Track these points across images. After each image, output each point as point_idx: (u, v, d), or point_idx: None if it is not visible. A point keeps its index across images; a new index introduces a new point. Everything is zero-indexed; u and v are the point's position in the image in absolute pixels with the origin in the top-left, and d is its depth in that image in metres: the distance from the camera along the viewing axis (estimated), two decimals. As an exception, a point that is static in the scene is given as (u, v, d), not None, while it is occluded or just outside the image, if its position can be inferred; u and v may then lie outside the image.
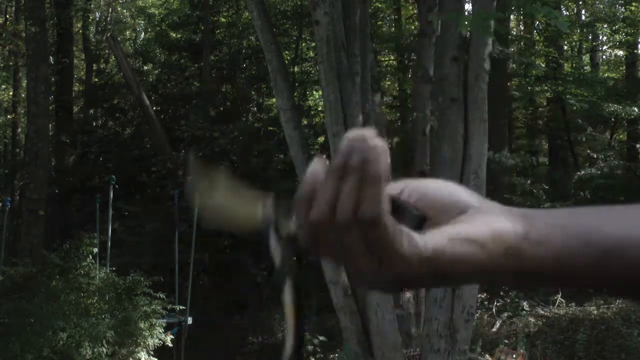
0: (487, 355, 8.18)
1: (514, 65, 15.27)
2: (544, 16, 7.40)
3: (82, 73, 21.18)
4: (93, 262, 9.01)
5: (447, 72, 6.64)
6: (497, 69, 11.39)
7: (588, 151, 14.92)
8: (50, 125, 16.04)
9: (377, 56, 15.41)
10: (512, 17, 17.18)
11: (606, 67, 19.31)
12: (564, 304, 11.35)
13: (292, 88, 12.59)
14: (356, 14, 7.78)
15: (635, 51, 16.93)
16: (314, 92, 17.89)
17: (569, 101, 14.06)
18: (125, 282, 8.48)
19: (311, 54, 17.67)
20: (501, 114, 13.38)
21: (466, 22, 5.88)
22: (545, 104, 18.12)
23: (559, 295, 11.62)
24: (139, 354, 7.88)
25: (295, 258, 0.56)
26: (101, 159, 17.67)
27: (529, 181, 13.64)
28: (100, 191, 12.25)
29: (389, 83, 19.21)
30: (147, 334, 7.95)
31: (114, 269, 9.41)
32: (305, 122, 15.49)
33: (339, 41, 7.29)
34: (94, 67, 20.48)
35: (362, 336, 7.33)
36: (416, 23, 15.66)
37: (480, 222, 0.56)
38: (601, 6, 17.10)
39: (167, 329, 8.83)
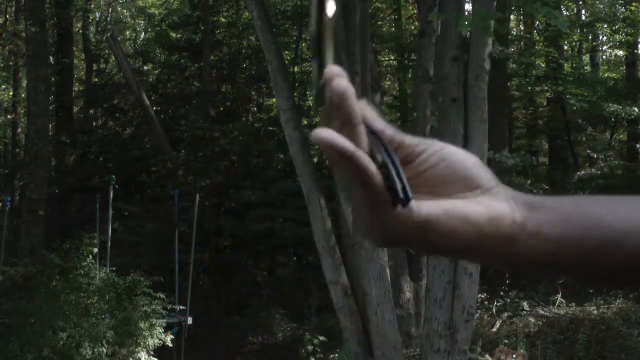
0: (487, 355, 8.18)
1: (514, 65, 15.26)
2: (544, 16, 7.40)
3: (82, 73, 21.17)
4: (93, 262, 9.00)
5: (447, 72, 6.64)
6: (497, 69, 11.39)
7: (588, 151, 14.91)
8: (50, 125, 16.04)
9: (377, 56, 15.41)
10: (512, 17, 17.18)
11: (606, 67, 19.30)
12: (564, 304, 11.35)
13: (292, 88, 12.59)
14: (356, 13, 7.78)
15: (635, 51, 16.92)
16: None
17: (569, 101, 14.06)
18: (125, 282, 8.47)
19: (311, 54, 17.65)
20: (501, 114, 13.38)
21: (466, 22, 5.88)
22: (545, 104, 18.12)
23: (559, 295, 11.62)
24: (139, 354, 7.88)
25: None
26: (101, 159, 17.67)
27: (529, 181, 13.64)
28: (100, 191, 12.25)
29: (389, 83, 19.21)
30: (147, 334, 7.94)
31: (114, 269, 9.40)
32: (305, 122, 15.48)
33: (339, 41, 7.30)
34: (94, 67, 20.48)
35: (362, 336, 7.33)
36: (416, 23, 15.66)
37: (482, 203, 0.57)
38: (601, 6, 17.10)
39: (167, 329, 8.83)
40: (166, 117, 17.09)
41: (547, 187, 14.10)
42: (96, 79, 19.93)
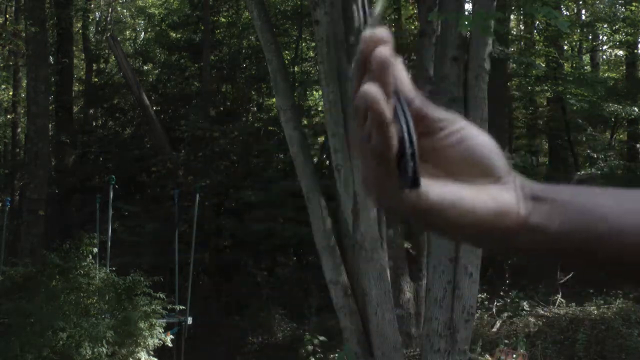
0: (487, 355, 8.18)
1: (514, 65, 15.26)
2: (544, 16, 7.40)
3: (82, 73, 21.17)
4: (93, 262, 9.00)
5: (447, 72, 6.64)
6: (497, 69, 11.39)
7: (588, 151, 14.91)
8: (50, 125, 16.04)
9: (377, 56, 15.37)
10: (512, 17, 17.18)
11: (606, 67, 19.30)
12: (564, 304, 11.35)
13: (292, 88, 12.59)
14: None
15: (635, 51, 16.92)
16: (314, 92, 17.89)
17: (569, 101, 14.06)
18: (125, 282, 8.47)
19: (311, 54, 17.67)
20: (501, 114, 13.38)
21: (466, 22, 5.88)
22: (545, 104, 18.11)
23: (559, 295, 11.62)
24: (139, 354, 7.88)
25: None
26: (101, 159, 17.67)
27: (529, 181, 13.61)
28: (100, 191, 12.25)
29: (389, 83, 19.17)
30: (147, 334, 7.94)
31: (114, 269, 9.40)
32: (305, 122, 15.48)
33: (339, 41, 7.30)
34: (94, 67, 20.47)
35: (362, 336, 7.32)
36: (416, 23, 15.66)
37: (491, 195, 0.57)
38: (601, 6, 17.09)
39: (167, 329, 8.83)
40: (166, 117, 17.09)
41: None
42: (96, 79, 19.92)
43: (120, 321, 7.83)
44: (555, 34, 15.15)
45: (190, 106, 17.08)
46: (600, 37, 18.27)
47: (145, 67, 19.68)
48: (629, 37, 15.97)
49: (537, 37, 17.35)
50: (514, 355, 7.12)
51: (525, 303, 11.22)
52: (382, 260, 7.30)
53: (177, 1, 19.93)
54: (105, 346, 7.34)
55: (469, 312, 6.61)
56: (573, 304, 11.22)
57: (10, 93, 20.02)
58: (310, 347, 9.76)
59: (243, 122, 16.61)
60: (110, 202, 10.46)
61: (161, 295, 8.51)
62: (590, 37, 18.02)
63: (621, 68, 18.68)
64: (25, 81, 15.45)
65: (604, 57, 19.85)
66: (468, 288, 6.57)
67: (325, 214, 7.60)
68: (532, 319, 10.74)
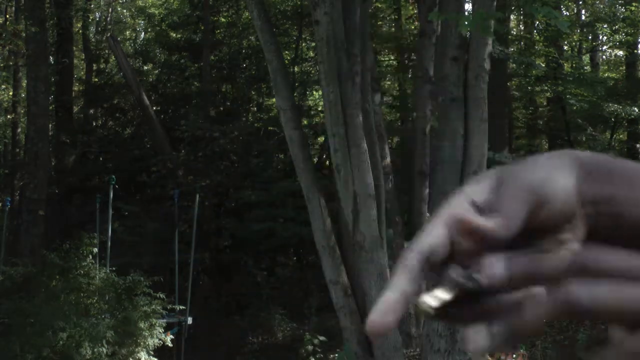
0: (487, 355, 8.18)
1: (514, 65, 15.26)
2: (544, 16, 7.40)
3: (82, 73, 21.16)
4: (93, 262, 9.01)
5: (447, 72, 6.64)
6: (497, 69, 11.39)
7: (588, 151, 14.89)
8: (50, 125, 16.04)
9: (377, 56, 15.41)
10: (512, 17, 17.18)
11: (606, 67, 19.30)
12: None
13: (292, 88, 12.59)
14: (356, 14, 7.78)
15: (635, 51, 16.92)
16: (314, 92, 17.89)
17: (569, 101, 14.06)
18: (125, 282, 8.48)
19: (311, 54, 17.67)
20: (501, 114, 13.38)
21: (466, 22, 5.88)
22: (545, 104, 18.11)
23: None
24: (139, 354, 7.88)
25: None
26: (101, 159, 17.66)
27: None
28: (100, 191, 12.25)
29: (389, 83, 19.20)
30: (147, 334, 7.95)
31: (114, 269, 9.40)
32: (305, 122, 15.48)
33: (339, 41, 7.29)
34: (94, 67, 20.46)
35: (362, 336, 7.32)
36: (416, 23, 15.65)
37: None
38: (601, 6, 17.09)
39: (167, 329, 8.83)
40: (166, 117, 17.09)
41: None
42: (96, 79, 19.92)
43: (120, 321, 7.83)
44: (555, 34, 15.15)
45: (190, 106, 17.08)
46: (600, 37, 18.27)
47: (145, 67, 19.68)
48: (628, 37, 15.96)
49: (537, 37, 17.34)
50: (514, 355, 7.12)
51: (525, 303, 11.21)
52: (382, 260, 7.30)
53: (177, 1, 19.93)
54: (105, 346, 7.34)
55: (469, 312, 6.61)
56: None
57: (10, 93, 20.01)
58: (310, 347, 9.76)
59: (243, 122, 16.61)
60: (110, 202, 10.46)
61: (161, 295, 8.51)
62: (590, 37, 18.02)
63: (621, 68, 18.68)
64: (25, 81, 15.44)
65: (604, 57, 19.85)
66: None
67: (325, 214, 7.60)
68: (532, 319, 10.73)
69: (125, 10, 22.71)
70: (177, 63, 18.22)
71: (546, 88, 15.40)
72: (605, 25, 16.37)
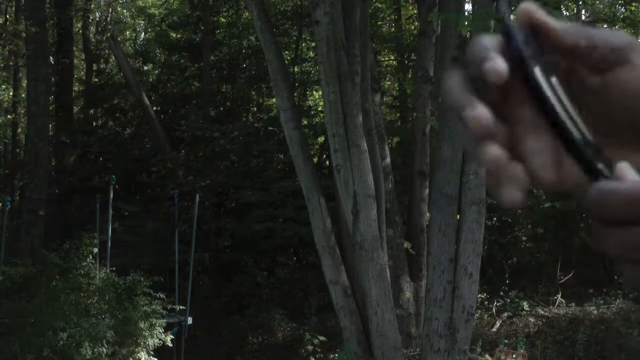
0: (487, 355, 8.18)
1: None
2: (544, 16, 7.40)
3: (82, 73, 21.17)
4: (93, 262, 9.01)
5: (447, 72, 6.64)
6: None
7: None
8: (50, 125, 16.04)
9: (377, 56, 15.41)
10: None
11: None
12: (564, 304, 11.35)
13: (292, 88, 12.59)
14: (356, 14, 7.79)
15: (635, 51, 16.90)
16: (314, 92, 17.89)
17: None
18: (125, 282, 8.47)
19: (311, 54, 17.67)
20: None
21: (466, 22, 5.88)
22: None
23: (559, 295, 11.62)
24: (139, 354, 7.88)
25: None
26: (101, 159, 17.66)
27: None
28: (100, 191, 12.25)
29: (389, 83, 19.21)
30: (147, 334, 7.94)
31: (114, 269, 9.41)
32: (305, 122, 15.49)
33: (339, 41, 7.30)
34: (94, 67, 20.47)
35: (362, 336, 7.33)
36: (416, 23, 15.66)
37: None
38: (601, 6, 17.10)
39: (167, 329, 8.83)
40: (166, 117, 17.10)
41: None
42: (96, 79, 19.92)
43: (120, 321, 7.83)
44: (555, 34, 15.13)
45: (190, 106, 17.08)
46: (600, 37, 18.25)
47: (145, 67, 19.69)
48: (628, 37, 15.95)
49: (537, 37, 17.33)
50: (514, 355, 7.12)
51: (525, 303, 11.22)
52: (382, 260, 7.31)
53: (177, 1, 19.93)
54: (106, 346, 7.34)
55: (468, 312, 6.61)
56: (573, 304, 11.22)
57: (11, 93, 20.01)
58: (310, 347, 9.76)
59: (243, 122, 16.61)
60: (110, 202, 10.46)
61: (161, 295, 8.51)
62: (590, 37, 18.01)
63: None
64: (25, 81, 15.44)
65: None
66: (468, 288, 6.58)
67: (325, 214, 7.61)
68: (532, 319, 10.75)
69: (125, 10, 22.70)
70: (177, 63, 18.22)
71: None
72: (605, 25, 16.37)
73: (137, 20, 23.36)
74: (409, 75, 16.10)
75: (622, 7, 15.61)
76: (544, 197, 13.18)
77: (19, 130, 19.99)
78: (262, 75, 15.88)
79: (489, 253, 12.85)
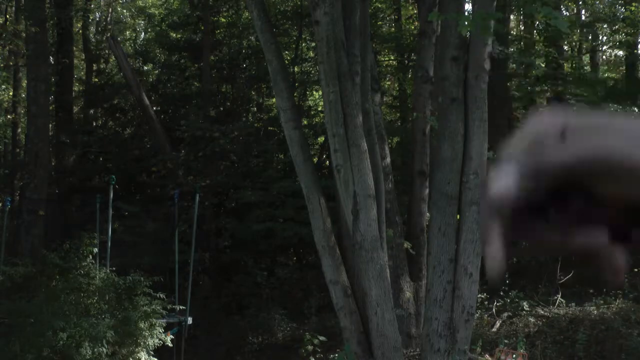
0: (487, 355, 8.18)
1: (514, 65, 15.26)
2: (544, 16, 7.40)
3: (82, 73, 21.17)
4: (93, 262, 9.01)
5: (447, 72, 6.64)
6: (497, 69, 11.39)
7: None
8: (50, 125, 16.04)
9: (377, 56, 15.41)
10: (512, 17, 17.18)
11: (606, 67, 19.29)
12: (564, 304, 11.35)
13: (292, 88, 12.59)
14: (356, 14, 7.78)
15: (635, 51, 16.91)
16: (314, 92, 17.89)
17: (569, 101, 14.05)
18: (125, 282, 8.48)
19: (311, 54, 17.67)
20: (501, 114, 13.38)
21: (466, 22, 5.88)
22: (545, 104, 18.10)
23: (559, 295, 11.61)
24: (139, 354, 7.88)
25: None
26: (101, 159, 17.67)
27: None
28: (100, 191, 12.25)
29: (389, 83, 19.21)
30: (147, 334, 7.94)
31: (114, 269, 9.41)
32: (305, 122, 15.49)
33: (339, 41, 7.29)
34: (94, 67, 20.47)
35: (362, 336, 7.32)
36: (416, 23, 15.66)
37: None
38: (601, 6, 17.09)
39: (167, 329, 8.83)
40: (166, 117, 17.10)
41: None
42: (96, 79, 19.93)
43: (120, 321, 7.83)
44: (555, 34, 15.14)
45: (190, 106, 17.08)
46: (600, 37, 18.27)
47: (145, 67, 19.69)
48: (628, 37, 15.96)
49: (537, 37, 17.35)
50: (514, 355, 7.12)
51: (525, 303, 11.21)
52: (382, 260, 7.30)
53: (177, 1, 19.93)
54: (106, 346, 7.34)
55: (468, 312, 6.61)
56: (573, 304, 11.22)
57: (11, 93, 20.01)
58: (310, 347, 9.76)
59: (243, 122, 16.61)
60: (110, 202, 10.46)
61: (161, 295, 8.51)
62: (590, 37, 18.01)
63: (621, 68, 18.68)
64: (25, 81, 15.44)
65: (604, 57, 19.85)
66: (468, 288, 6.57)
67: (325, 214, 7.60)
68: (532, 319, 10.74)
69: (125, 10, 22.71)
70: (177, 63, 18.22)
71: (546, 88, 15.40)
72: (605, 25, 16.38)
73: (137, 20, 23.36)
74: (409, 75, 16.10)
75: (622, 7, 15.60)
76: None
77: (19, 130, 19.99)
78: (262, 75, 15.88)
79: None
